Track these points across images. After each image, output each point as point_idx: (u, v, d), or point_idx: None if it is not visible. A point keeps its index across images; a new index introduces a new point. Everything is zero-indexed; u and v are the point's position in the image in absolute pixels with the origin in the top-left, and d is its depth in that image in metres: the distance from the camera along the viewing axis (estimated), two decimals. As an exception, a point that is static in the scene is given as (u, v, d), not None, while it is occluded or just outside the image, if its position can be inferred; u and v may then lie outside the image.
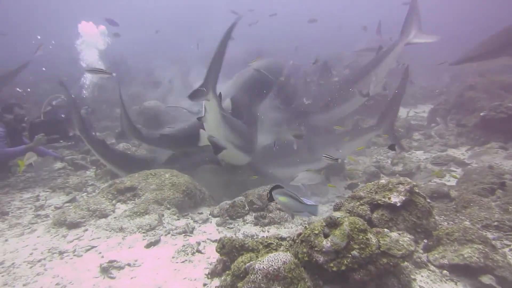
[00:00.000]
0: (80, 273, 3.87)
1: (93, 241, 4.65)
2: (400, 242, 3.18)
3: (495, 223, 4.38)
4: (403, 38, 10.42)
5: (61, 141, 9.08)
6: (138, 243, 4.60)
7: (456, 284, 3.37)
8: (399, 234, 3.36)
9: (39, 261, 4.17)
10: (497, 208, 4.61)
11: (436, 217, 4.34)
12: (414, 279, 3.40)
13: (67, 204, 5.74)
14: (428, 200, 4.28)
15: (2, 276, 3.88)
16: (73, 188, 7.25)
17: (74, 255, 4.29)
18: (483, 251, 3.37)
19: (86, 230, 4.99)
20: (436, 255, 3.67)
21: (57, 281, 3.72)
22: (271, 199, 3.84)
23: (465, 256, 3.40)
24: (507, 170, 7.15)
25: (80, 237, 4.78)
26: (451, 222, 4.61)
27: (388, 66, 10.43)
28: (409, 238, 3.28)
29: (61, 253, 4.34)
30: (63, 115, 9.16)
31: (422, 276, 3.50)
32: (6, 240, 4.81)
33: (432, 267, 3.61)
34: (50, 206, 6.33)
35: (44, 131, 7.92)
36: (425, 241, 3.93)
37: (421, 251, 3.87)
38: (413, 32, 10.49)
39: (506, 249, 3.97)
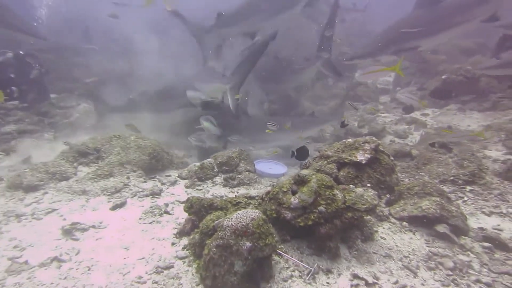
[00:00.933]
0: (40, 235, 3.71)
1: (53, 204, 4.45)
2: (365, 196, 3.28)
3: (451, 178, 4.66)
4: None
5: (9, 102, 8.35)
6: (103, 206, 4.46)
7: (414, 234, 3.58)
8: (364, 189, 3.46)
9: (-5, 224, 3.95)
10: (453, 164, 4.87)
11: (399, 174, 4.53)
12: (376, 231, 3.57)
13: (24, 167, 5.38)
14: (392, 158, 4.43)
15: (-46, 239, 3.64)
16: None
17: (33, 218, 4.09)
18: (440, 203, 3.58)
19: (46, 193, 4.75)
20: (397, 208, 3.86)
21: (15, 243, 3.55)
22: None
23: (423, 208, 3.60)
24: (463, 130, 7.54)
25: (39, 200, 4.55)
26: (412, 178, 4.85)
27: None
28: (373, 193, 3.39)
29: (18, 216, 4.12)
30: (11, 75, 8.41)
31: (383, 228, 3.68)
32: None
33: (393, 220, 3.81)
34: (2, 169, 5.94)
35: None
36: (388, 196, 4.11)
37: (383, 205, 4.06)
38: None
39: (460, 201, 4.25)
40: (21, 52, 8.88)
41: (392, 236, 3.55)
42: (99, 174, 5.09)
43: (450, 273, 3.03)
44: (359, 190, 3.41)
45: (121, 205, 4.47)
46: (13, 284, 2.93)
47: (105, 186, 4.84)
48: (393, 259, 3.21)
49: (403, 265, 3.13)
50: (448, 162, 4.96)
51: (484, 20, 8.09)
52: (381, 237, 3.52)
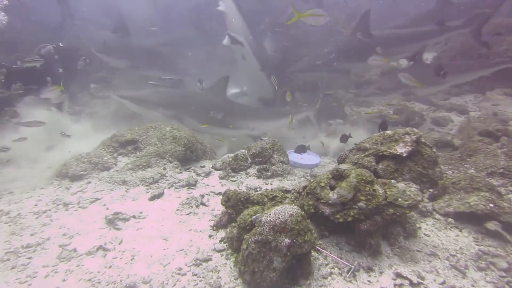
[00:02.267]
0: (86, 224, 3.89)
1: (96, 193, 4.65)
2: (407, 192, 3.15)
3: (501, 170, 4.37)
4: None
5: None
6: (141, 196, 4.60)
7: (461, 231, 3.41)
8: (406, 184, 3.31)
9: (45, 212, 4.19)
10: (503, 155, 4.57)
11: (441, 166, 4.30)
12: (420, 228, 3.43)
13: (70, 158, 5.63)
14: (434, 150, 4.21)
15: (9, 225, 3.90)
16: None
17: (79, 207, 4.31)
18: (490, 198, 3.37)
19: (89, 182, 4.97)
20: (441, 203, 3.68)
21: (64, 231, 3.75)
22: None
23: (471, 203, 3.40)
24: (511, 116, 7.03)
25: (84, 189, 4.77)
26: (456, 171, 4.60)
27: None
28: (415, 188, 3.24)
29: (65, 204, 4.35)
30: (59, 69, 8.77)
31: (427, 224, 3.54)
32: (11, 192, 4.80)
33: (437, 216, 3.64)
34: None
35: (22, 80, 7.58)
36: (431, 190, 3.92)
37: (426, 200, 3.88)
38: None
39: (511, 195, 3.98)
40: (61, 45, 9.22)
41: (436, 233, 3.40)
42: (138, 164, 5.25)
43: (504, 274, 2.86)
44: (401, 185, 3.27)
45: (159, 195, 4.59)
46: (64, 270, 3.10)
47: (143, 177, 4.98)
48: (439, 258, 3.07)
49: (450, 264, 2.99)
50: (497, 153, 4.65)
51: None
52: (425, 234, 3.38)
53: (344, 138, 6.79)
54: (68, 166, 5.13)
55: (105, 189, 4.78)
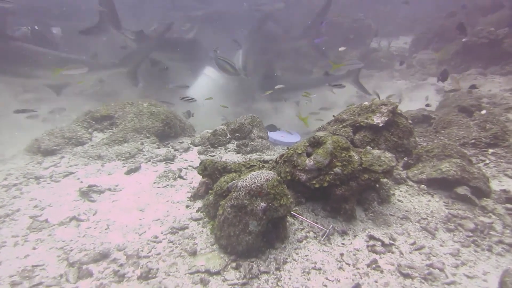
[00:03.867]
0: (59, 196, 3.79)
1: (70, 168, 4.52)
2: (382, 158, 3.19)
3: (473, 141, 4.50)
4: None
5: None
6: (118, 170, 4.51)
7: (432, 196, 3.51)
8: (381, 152, 3.36)
9: (15, 185, 4.05)
10: (475, 126, 4.69)
11: (417, 138, 4.39)
12: (393, 194, 3.51)
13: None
14: (410, 121, 4.28)
15: (-23, 198, 3.76)
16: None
17: (51, 181, 4.18)
18: (461, 165, 3.46)
19: (63, 157, 4.82)
20: (415, 171, 3.77)
21: (35, 203, 3.65)
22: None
23: (443, 170, 3.49)
24: (484, 94, 7.23)
25: (57, 164, 4.62)
26: (431, 142, 4.70)
27: None
28: (390, 155, 3.28)
29: (37, 178, 4.21)
30: None
31: (400, 191, 3.62)
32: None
33: (410, 183, 3.72)
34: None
35: None
36: (405, 159, 4.00)
37: (401, 168, 3.96)
38: None
39: (482, 164, 4.11)
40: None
41: (409, 199, 3.48)
42: (114, 139, 5.12)
43: (471, 234, 2.97)
44: (376, 152, 3.31)
45: (136, 169, 4.51)
46: (35, 239, 3.03)
47: (119, 152, 4.87)
48: (411, 221, 3.16)
49: (421, 226, 3.08)
50: (469, 125, 4.77)
51: None
52: (398, 200, 3.45)
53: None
54: (40, 141, 4.94)
55: (79, 163, 4.65)
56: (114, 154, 4.83)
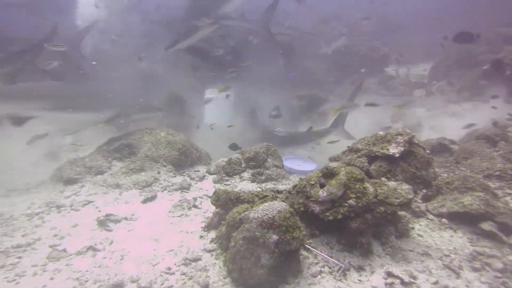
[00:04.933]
0: (77, 225, 3.88)
1: (90, 197, 4.64)
2: (398, 190, 3.11)
3: (497, 173, 4.32)
4: None
5: None
6: (135, 199, 4.59)
7: (455, 231, 3.35)
8: (398, 183, 3.28)
9: (37, 214, 4.19)
10: (499, 158, 4.52)
11: (436, 169, 4.27)
12: (412, 228, 3.38)
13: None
14: (428, 151, 4.18)
15: (1, 227, 3.91)
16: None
17: (71, 209, 4.30)
18: (484, 198, 3.32)
19: (83, 186, 4.97)
20: (435, 204, 3.64)
21: (55, 232, 3.74)
22: None
23: (465, 203, 3.36)
24: (510, 123, 7.01)
25: (77, 193, 4.77)
26: (451, 173, 4.55)
27: None
28: (407, 187, 3.20)
29: (58, 207, 4.35)
30: None
31: (420, 225, 3.48)
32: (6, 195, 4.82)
33: (430, 216, 3.59)
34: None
35: None
36: (424, 191, 3.88)
37: (419, 201, 3.84)
38: None
39: (508, 198, 3.91)
40: None
41: (430, 234, 3.34)
42: (132, 168, 5.25)
43: (499, 275, 2.79)
44: (392, 183, 3.24)
45: (152, 198, 4.57)
46: (53, 269, 3.08)
47: (137, 180, 4.98)
48: (432, 258, 3.01)
49: (443, 264, 2.93)
50: (493, 156, 4.61)
51: None
52: (418, 234, 3.32)
53: None
54: (63, 170, 5.14)
55: (98, 192, 4.78)
56: (131, 183, 4.94)
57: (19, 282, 2.93)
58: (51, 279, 2.95)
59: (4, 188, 4.97)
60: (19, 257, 3.28)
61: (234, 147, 6.32)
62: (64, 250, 3.37)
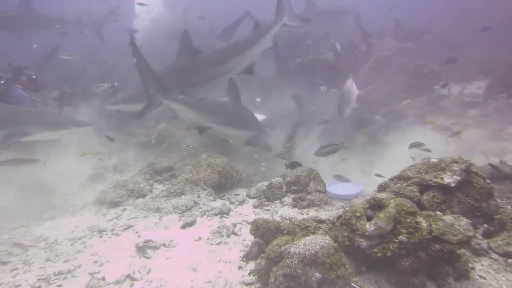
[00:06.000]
0: (117, 251, 3.92)
1: (131, 221, 4.72)
2: (456, 226, 2.80)
3: None
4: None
5: None
6: (174, 224, 4.59)
7: (524, 275, 2.94)
8: (454, 217, 2.96)
9: (80, 238, 4.31)
10: None
11: (498, 200, 3.84)
12: (473, 268, 3.01)
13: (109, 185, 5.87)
14: (488, 181, 3.78)
15: (46, 252, 4.05)
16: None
17: (112, 234, 4.38)
18: (560, 238, 2.90)
19: (125, 209, 5.09)
20: (499, 242, 3.24)
21: (95, 258, 3.80)
22: None
23: (536, 243, 2.95)
24: None
25: (119, 216, 4.88)
26: (516, 205, 4.07)
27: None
28: (466, 222, 2.87)
29: (100, 231, 4.46)
30: None
31: (482, 265, 3.10)
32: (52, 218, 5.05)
33: (494, 255, 3.19)
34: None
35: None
36: (485, 226, 3.48)
37: (480, 237, 3.44)
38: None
39: None
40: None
41: (494, 276, 2.95)
42: (172, 192, 5.30)
43: None
44: (448, 218, 2.92)
45: (191, 223, 4.55)
46: (92, 298, 3.09)
47: (176, 204, 5.00)
48: (498, 305, 2.64)
49: (511, 313, 2.56)
50: None
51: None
52: (480, 276, 2.95)
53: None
54: (106, 193, 5.31)
55: (139, 216, 4.85)
56: (171, 206, 4.96)
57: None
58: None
59: (52, 210, 5.22)
60: (59, 285, 3.35)
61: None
62: (103, 279, 3.39)
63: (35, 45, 16.32)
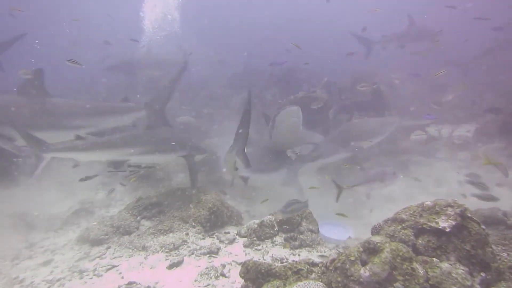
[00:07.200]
0: (97, 295, 3.69)
1: (114, 260, 4.49)
2: (453, 275, 2.73)
3: None
4: None
5: None
6: (160, 263, 4.38)
7: (526, 329, 2.81)
8: (451, 265, 2.88)
9: (58, 280, 4.07)
10: None
11: (493, 247, 3.76)
12: (472, 320, 2.88)
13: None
14: (483, 227, 3.73)
15: (20, 297, 3.79)
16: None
17: (94, 275, 4.15)
18: (560, 290, 2.80)
19: (109, 247, 4.86)
20: (497, 291, 3.12)
21: (73, 304, 3.55)
22: None
23: (536, 294, 2.84)
24: None
25: (102, 255, 4.65)
26: (512, 252, 3.98)
27: None
28: (463, 270, 2.81)
29: (81, 272, 4.22)
30: None
31: (481, 316, 2.97)
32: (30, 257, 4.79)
33: (493, 306, 3.06)
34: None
35: None
36: (483, 274, 3.37)
37: (478, 286, 3.32)
38: None
39: None
40: None
41: (494, 329, 2.82)
42: (160, 229, 5.11)
43: None
44: (445, 265, 2.86)
45: (178, 264, 4.34)
46: None
47: (164, 243, 4.80)
48: None
49: None
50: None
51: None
52: (479, 329, 2.81)
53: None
54: (90, 230, 5.09)
55: (124, 255, 4.63)
56: (158, 245, 4.76)
57: None
58: None
59: (31, 248, 4.95)
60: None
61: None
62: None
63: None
